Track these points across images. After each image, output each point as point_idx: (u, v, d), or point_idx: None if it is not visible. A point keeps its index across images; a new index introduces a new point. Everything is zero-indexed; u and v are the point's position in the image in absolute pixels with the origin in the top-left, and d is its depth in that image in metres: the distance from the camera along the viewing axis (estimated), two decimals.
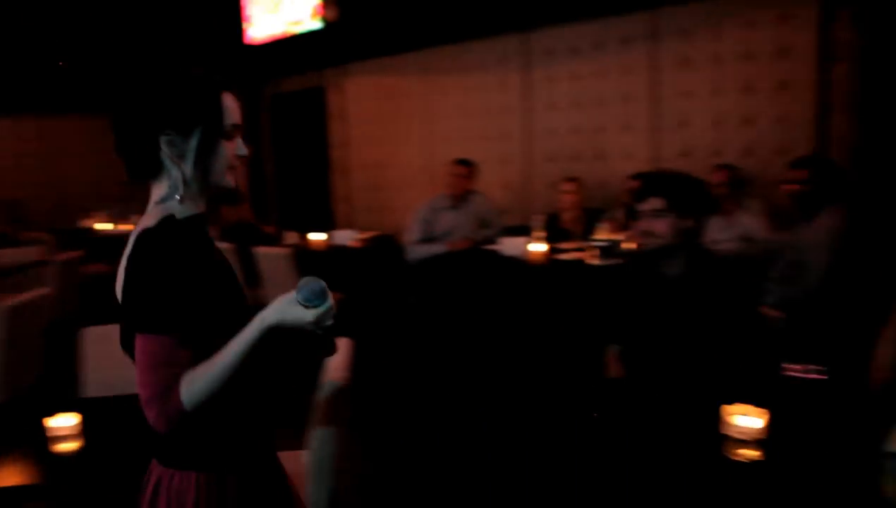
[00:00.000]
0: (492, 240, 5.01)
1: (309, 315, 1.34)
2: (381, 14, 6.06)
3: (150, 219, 1.41)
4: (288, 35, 6.74)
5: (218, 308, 1.41)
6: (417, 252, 5.12)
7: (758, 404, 1.86)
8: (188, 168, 1.43)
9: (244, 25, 7.12)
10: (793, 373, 2.29)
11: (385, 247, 5.86)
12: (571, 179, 5.19)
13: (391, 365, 4.41)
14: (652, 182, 2.68)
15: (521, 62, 6.01)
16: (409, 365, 4.48)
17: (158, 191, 1.45)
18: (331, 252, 5.69)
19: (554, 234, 4.85)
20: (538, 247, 4.67)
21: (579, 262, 4.43)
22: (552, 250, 4.68)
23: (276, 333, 1.35)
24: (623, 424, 2.16)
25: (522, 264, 4.64)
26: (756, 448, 1.80)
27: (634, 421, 2.16)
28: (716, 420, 1.87)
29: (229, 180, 1.49)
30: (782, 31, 4.74)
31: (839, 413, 2.07)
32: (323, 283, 1.36)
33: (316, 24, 6.48)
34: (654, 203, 2.61)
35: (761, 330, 2.75)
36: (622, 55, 5.45)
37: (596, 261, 4.36)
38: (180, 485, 1.44)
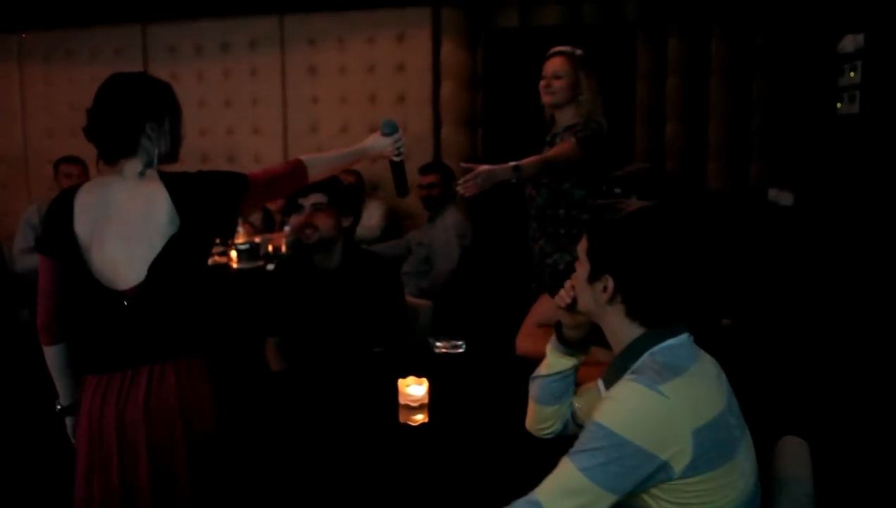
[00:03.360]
0: None
1: (389, 140, 2.27)
2: None
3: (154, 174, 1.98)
4: None
5: None
6: (27, 262, 4.47)
7: (419, 375, 2.09)
8: (166, 145, 1.99)
9: None
10: (439, 350, 2.62)
11: None
12: None
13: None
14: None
15: (138, 56, 5.64)
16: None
17: (134, 164, 1.94)
18: None
19: None
20: None
21: (223, 266, 4.33)
22: None
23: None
24: (299, 413, 2.19)
25: None
26: (423, 412, 2.05)
27: (307, 409, 2.21)
28: (393, 394, 2.07)
29: None
30: (400, 50, 5.21)
31: (481, 377, 2.40)
32: (394, 120, 2.30)
33: None
34: (315, 197, 2.72)
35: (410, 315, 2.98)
36: (250, 58, 5.46)
37: (236, 265, 4.30)
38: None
